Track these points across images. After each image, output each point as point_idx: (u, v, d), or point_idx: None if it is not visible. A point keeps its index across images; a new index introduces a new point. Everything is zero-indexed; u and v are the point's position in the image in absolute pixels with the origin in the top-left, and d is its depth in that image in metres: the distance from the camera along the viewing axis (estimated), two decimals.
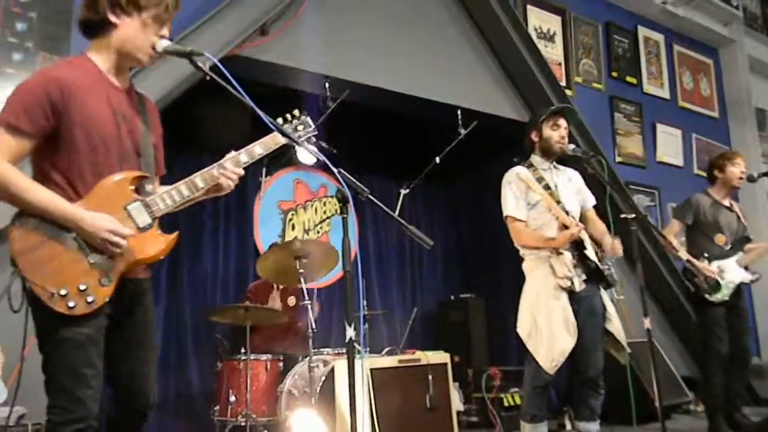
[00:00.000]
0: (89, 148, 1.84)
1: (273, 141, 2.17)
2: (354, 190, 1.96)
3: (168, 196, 1.97)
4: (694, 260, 4.33)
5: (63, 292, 1.74)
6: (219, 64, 1.97)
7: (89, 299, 1.77)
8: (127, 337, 1.98)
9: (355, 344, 4.08)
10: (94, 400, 1.79)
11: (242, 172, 2.11)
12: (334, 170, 1.92)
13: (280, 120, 2.23)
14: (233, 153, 2.13)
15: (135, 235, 1.88)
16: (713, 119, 7.81)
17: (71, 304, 1.75)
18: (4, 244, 3.18)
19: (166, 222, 2.03)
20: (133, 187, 1.91)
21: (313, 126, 2.32)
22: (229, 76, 1.93)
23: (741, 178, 4.48)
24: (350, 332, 1.89)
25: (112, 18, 1.91)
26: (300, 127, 2.28)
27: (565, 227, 3.35)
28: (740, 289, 4.36)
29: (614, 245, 3.45)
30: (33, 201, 1.76)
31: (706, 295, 4.27)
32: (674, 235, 4.49)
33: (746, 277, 4.33)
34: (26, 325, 1.86)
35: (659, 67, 7.35)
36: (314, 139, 2.39)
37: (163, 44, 2.02)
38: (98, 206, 1.83)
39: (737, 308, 4.35)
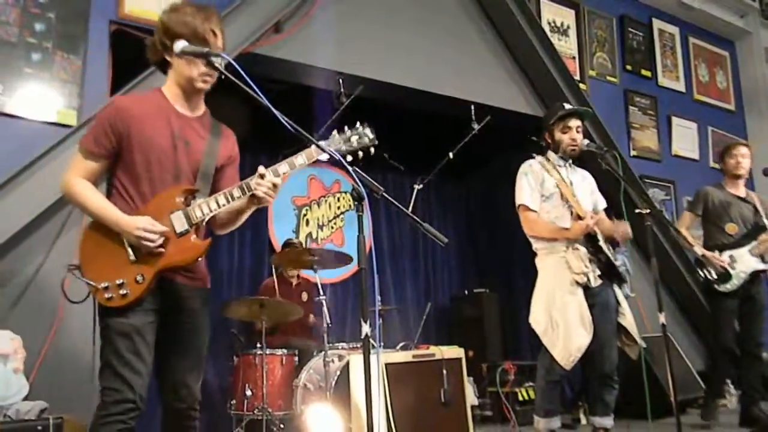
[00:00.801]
0: (146, 166, 2.11)
1: (316, 151, 2.17)
2: (369, 188, 1.98)
3: (206, 205, 2.14)
4: (706, 252, 4.34)
5: (104, 285, 2.02)
6: (235, 64, 1.99)
7: (123, 292, 2.02)
8: (173, 338, 2.18)
9: (371, 340, 4.14)
10: (140, 385, 2.01)
11: (280, 181, 2.15)
12: (350, 169, 1.94)
13: (337, 133, 2.24)
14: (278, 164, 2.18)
15: (173, 239, 2.09)
16: (729, 112, 7.73)
17: (108, 295, 2.02)
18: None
19: None
20: (181, 199, 2.13)
21: (371, 137, 2.30)
22: (245, 76, 1.95)
23: (739, 167, 4.48)
24: (366, 328, 1.90)
25: (167, 57, 2.18)
26: (354, 138, 2.26)
27: (580, 218, 3.35)
28: (756, 279, 4.35)
29: (624, 229, 3.45)
30: (91, 209, 2.08)
31: (716, 286, 4.27)
32: (687, 227, 4.51)
33: (759, 266, 4.31)
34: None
35: (674, 60, 7.29)
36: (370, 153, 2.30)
37: (180, 45, 2.07)
38: (151, 215, 2.07)
39: (752, 300, 4.35)
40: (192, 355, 2.21)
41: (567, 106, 3.70)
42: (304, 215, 6.03)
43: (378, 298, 4.88)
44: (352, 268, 5.19)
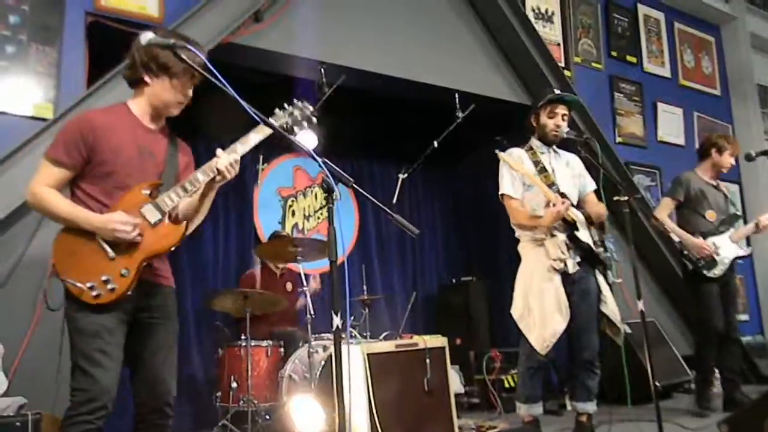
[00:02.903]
0: (114, 174, 2.18)
1: (266, 129, 2.28)
2: (338, 179, 1.97)
3: (174, 193, 2.21)
4: (690, 237, 4.34)
5: (89, 284, 2.06)
6: (202, 56, 1.98)
7: (110, 287, 2.07)
8: (146, 337, 2.23)
9: (352, 330, 4.15)
10: (109, 384, 2.04)
11: (238, 157, 2.26)
12: (318, 160, 1.93)
13: (278, 110, 2.39)
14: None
15: (148, 230, 2.16)
16: (715, 97, 7.74)
17: (95, 293, 2.06)
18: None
19: None
20: (147, 192, 2.20)
21: (311, 109, 2.43)
22: (212, 68, 1.94)
23: (732, 166, 4.58)
24: (337, 321, 1.90)
25: (147, 78, 2.24)
26: (296, 112, 2.38)
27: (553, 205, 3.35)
28: (733, 266, 4.40)
29: (596, 210, 3.47)
30: (61, 213, 2.13)
31: (704, 271, 4.29)
32: (668, 213, 4.51)
33: (740, 252, 4.38)
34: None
35: (660, 46, 7.28)
36: (313, 123, 2.44)
37: (147, 37, 2.06)
38: (121, 211, 2.13)
39: (729, 285, 4.41)
40: (166, 352, 2.26)
41: (557, 91, 3.70)
42: (290, 206, 6.02)
43: (363, 287, 4.95)
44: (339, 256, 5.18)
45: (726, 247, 4.34)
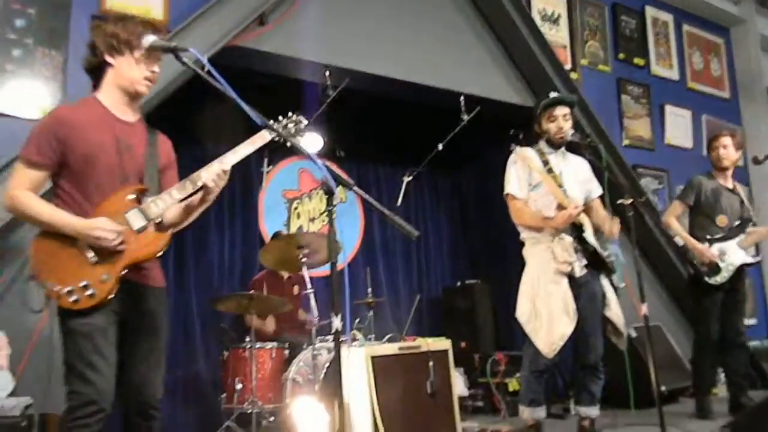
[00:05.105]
0: (93, 172, 2.13)
1: (260, 138, 2.30)
2: (339, 182, 1.97)
3: (160, 200, 2.18)
4: (695, 243, 4.30)
5: (67, 289, 2.03)
6: (203, 60, 1.99)
7: (89, 293, 2.03)
8: (134, 338, 2.20)
9: (356, 333, 4.15)
10: (105, 383, 2.03)
11: (227, 168, 2.23)
12: (319, 163, 1.93)
13: (272, 121, 2.33)
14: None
15: (131, 236, 2.12)
16: (724, 100, 7.69)
17: (73, 298, 2.02)
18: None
19: None
20: (132, 197, 2.17)
21: (305, 122, 2.43)
22: (214, 71, 1.95)
23: (722, 159, 4.42)
24: (336, 323, 1.91)
25: (109, 59, 2.20)
26: (291, 125, 2.39)
27: (563, 208, 3.35)
28: (742, 272, 4.33)
29: (611, 226, 3.45)
30: (41, 218, 2.08)
31: (706, 278, 4.26)
32: (677, 216, 4.45)
33: (747, 259, 4.30)
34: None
35: (668, 48, 7.24)
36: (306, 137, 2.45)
37: (149, 40, 2.07)
38: (105, 216, 2.09)
39: (736, 292, 4.34)
40: (155, 354, 2.25)
41: (552, 94, 3.69)
42: (295, 208, 6.02)
43: (368, 290, 4.95)
44: (342, 261, 5.18)
45: (733, 254, 4.26)
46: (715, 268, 4.24)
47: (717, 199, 4.38)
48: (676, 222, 4.44)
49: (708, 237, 4.31)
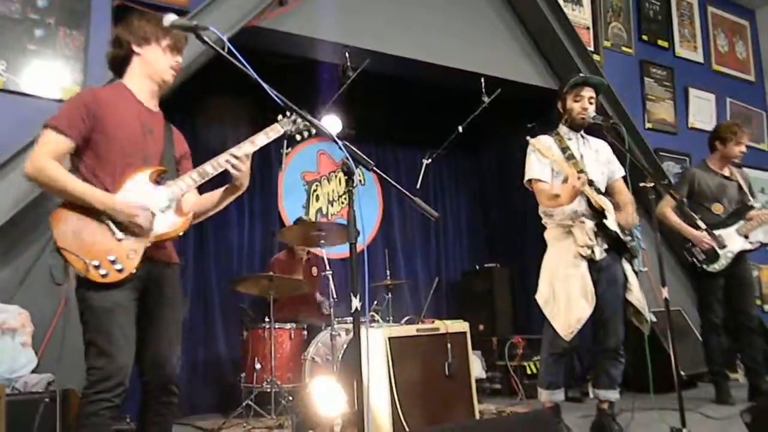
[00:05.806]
0: (117, 149, 2.17)
1: (274, 130, 2.34)
2: (359, 162, 1.97)
3: (182, 182, 2.25)
4: (691, 230, 4.32)
5: (95, 263, 2.04)
6: (224, 38, 1.98)
7: (118, 267, 2.06)
8: (153, 314, 2.23)
9: (374, 314, 4.17)
10: (125, 359, 2.05)
11: (239, 154, 2.28)
12: (339, 143, 1.93)
13: (281, 116, 2.37)
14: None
15: (156, 215, 2.18)
16: (749, 83, 7.54)
17: (103, 272, 2.04)
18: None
19: None
20: (154, 178, 2.22)
21: (313, 121, 2.39)
22: (234, 50, 1.94)
23: (742, 154, 4.44)
24: (356, 303, 1.91)
25: (136, 49, 2.29)
26: (300, 121, 2.35)
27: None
28: (742, 258, 4.34)
29: (626, 219, 3.42)
30: (71, 190, 2.07)
31: (704, 266, 4.28)
32: (671, 207, 4.43)
33: (746, 245, 4.30)
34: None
35: (692, 30, 7.10)
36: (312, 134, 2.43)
37: (170, 18, 2.05)
38: (128, 196, 2.14)
39: (737, 277, 4.34)
40: (172, 329, 2.27)
41: (581, 75, 3.65)
42: (314, 191, 6.04)
43: (387, 272, 4.96)
44: (361, 242, 5.18)
45: (731, 241, 4.29)
46: (713, 256, 4.27)
47: (713, 189, 4.41)
48: (671, 212, 4.43)
49: (707, 225, 4.31)
